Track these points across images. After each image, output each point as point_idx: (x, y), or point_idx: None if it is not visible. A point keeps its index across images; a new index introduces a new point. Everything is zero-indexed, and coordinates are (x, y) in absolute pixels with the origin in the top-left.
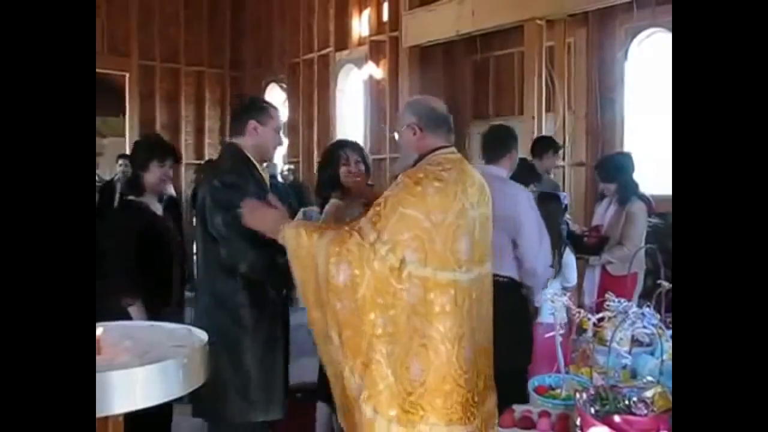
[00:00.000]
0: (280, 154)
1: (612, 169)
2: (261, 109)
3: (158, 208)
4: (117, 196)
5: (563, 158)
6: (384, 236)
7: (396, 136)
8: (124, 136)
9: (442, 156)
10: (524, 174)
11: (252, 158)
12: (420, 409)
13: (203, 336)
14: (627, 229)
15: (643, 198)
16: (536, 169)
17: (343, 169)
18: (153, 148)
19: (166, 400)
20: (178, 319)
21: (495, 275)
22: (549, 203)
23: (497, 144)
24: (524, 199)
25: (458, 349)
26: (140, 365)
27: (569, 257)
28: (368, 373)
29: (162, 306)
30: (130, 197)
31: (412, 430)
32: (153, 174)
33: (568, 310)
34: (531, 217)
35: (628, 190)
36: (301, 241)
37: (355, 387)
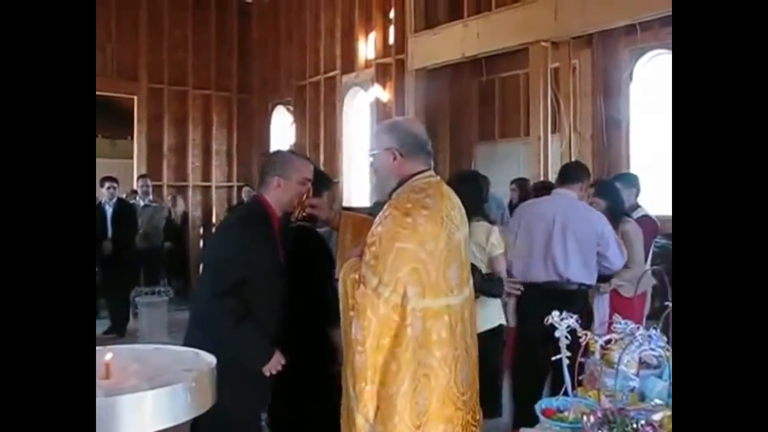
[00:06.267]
0: None
1: (606, 187)
2: None
3: None
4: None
5: None
6: (385, 278)
7: (370, 158)
8: (132, 158)
9: (423, 181)
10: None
11: None
12: None
13: (211, 359)
14: (628, 250)
15: (647, 216)
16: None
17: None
18: (323, 175)
19: (174, 423)
20: None
21: (579, 283)
22: None
23: (575, 172)
24: (604, 218)
25: (455, 373)
26: (149, 389)
27: None
28: (380, 415)
29: None
30: (308, 225)
31: None
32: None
33: (574, 331)
34: (611, 233)
35: (617, 209)
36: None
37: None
